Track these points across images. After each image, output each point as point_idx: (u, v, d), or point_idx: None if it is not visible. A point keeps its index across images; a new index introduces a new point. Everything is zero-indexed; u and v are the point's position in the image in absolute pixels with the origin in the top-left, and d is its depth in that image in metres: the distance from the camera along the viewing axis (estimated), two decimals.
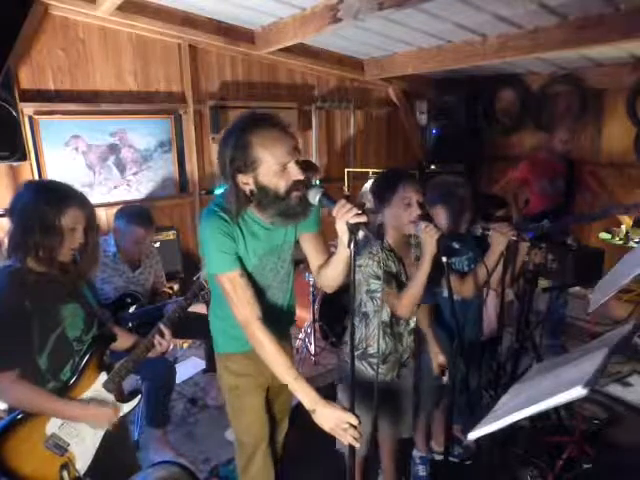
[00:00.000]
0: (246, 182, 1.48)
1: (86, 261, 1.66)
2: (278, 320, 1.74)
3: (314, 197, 1.43)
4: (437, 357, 2.08)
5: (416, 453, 2.54)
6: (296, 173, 1.44)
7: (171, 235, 3.93)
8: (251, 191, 1.48)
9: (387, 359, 1.97)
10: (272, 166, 1.42)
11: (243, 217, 1.56)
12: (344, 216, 1.32)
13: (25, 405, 1.57)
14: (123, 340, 1.88)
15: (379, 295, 1.90)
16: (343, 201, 1.34)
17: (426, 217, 1.83)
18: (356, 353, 1.98)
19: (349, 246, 1.32)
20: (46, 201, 1.53)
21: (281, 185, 1.45)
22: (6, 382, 1.52)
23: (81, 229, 1.59)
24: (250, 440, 1.82)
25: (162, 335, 1.86)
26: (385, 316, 1.94)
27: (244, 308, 1.55)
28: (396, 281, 1.91)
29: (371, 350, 1.97)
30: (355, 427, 1.38)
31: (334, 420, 1.39)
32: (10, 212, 1.58)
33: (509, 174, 3.74)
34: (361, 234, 1.32)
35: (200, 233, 1.59)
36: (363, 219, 1.31)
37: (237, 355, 1.76)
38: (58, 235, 1.53)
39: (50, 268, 1.56)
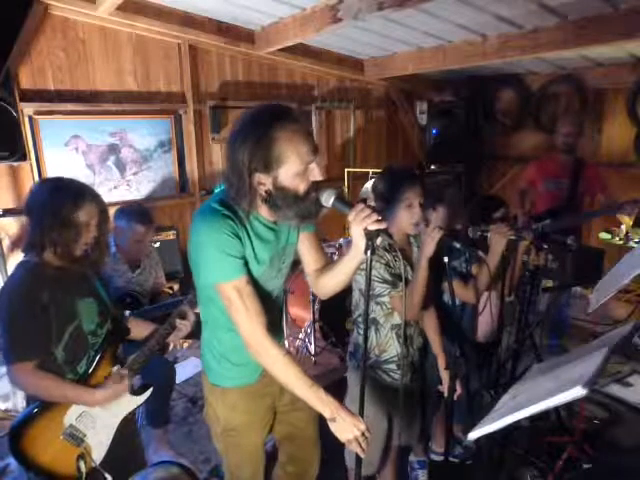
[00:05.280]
0: (263, 182, 1.32)
1: (98, 254, 1.70)
2: (278, 328, 1.69)
3: (327, 200, 1.33)
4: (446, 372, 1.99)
5: (413, 458, 2.52)
6: (317, 174, 1.34)
7: (171, 235, 3.93)
8: (267, 192, 1.33)
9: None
10: (296, 166, 1.30)
11: (248, 217, 1.40)
12: (362, 222, 1.23)
13: (44, 394, 1.61)
14: (140, 329, 1.93)
15: (386, 299, 1.86)
16: (361, 205, 1.25)
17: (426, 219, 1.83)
18: (368, 363, 1.89)
19: (366, 253, 1.25)
20: (63, 198, 1.59)
21: (301, 187, 1.32)
22: (24, 372, 1.57)
23: (94, 223, 1.65)
24: (246, 475, 1.69)
25: (184, 317, 1.86)
26: (398, 319, 1.91)
27: (253, 321, 1.36)
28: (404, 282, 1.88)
29: (386, 356, 1.94)
30: (365, 436, 1.31)
31: (355, 430, 1.30)
32: (27, 210, 1.64)
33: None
34: (379, 241, 1.24)
35: (196, 235, 1.37)
36: (383, 225, 1.23)
37: (236, 390, 1.59)
38: (75, 230, 1.59)
39: (67, 262, 1.62)
